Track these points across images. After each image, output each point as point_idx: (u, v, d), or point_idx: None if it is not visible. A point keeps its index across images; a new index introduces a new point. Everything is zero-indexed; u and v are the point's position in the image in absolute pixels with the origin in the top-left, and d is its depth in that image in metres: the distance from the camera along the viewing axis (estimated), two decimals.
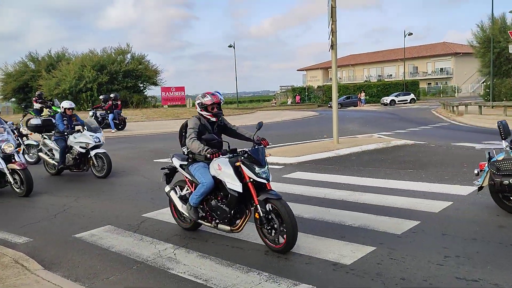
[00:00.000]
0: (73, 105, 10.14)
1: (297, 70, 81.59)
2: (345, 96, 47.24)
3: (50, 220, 6.36)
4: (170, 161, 5.66)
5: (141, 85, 42.80)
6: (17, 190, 7.91)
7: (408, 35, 50.15)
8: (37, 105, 19.84)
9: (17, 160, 8.03)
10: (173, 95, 43.62)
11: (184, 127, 5.26)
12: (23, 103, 27.81)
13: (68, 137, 9.57)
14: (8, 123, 10.50)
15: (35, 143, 11.75)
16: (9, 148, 7.84)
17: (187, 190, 5.45)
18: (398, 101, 45.39)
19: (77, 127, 9.83)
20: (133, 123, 24.75)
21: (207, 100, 5.01)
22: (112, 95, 20.25)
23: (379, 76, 66.94)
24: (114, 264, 4.54)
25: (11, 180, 7.89)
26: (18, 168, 7.76)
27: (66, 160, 9.63)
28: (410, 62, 62.90)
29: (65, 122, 9.68)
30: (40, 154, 10.50)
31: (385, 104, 44.74)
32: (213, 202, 4.99)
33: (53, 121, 10.66)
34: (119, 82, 38.55)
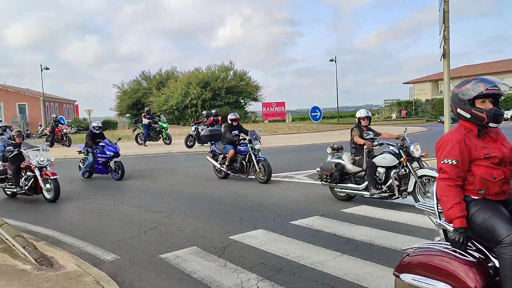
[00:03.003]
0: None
1: (403, 83, 77.37)
2: None
3: (140, 237, 6.31)
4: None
5: (242, 101, 43.88)
6: None
7: None
8: (145, 121, 21.12)
9: None
10: (273, 110, 44.11)
11: None
12: (135, 119, 30.04)
13: None
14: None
15: None
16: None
17: None
18: None
19: None
20: None
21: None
22: (213, 111, 20.77)
23: None
24: None
25: None
26: None
27: None
28: None
29: None
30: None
31: (506, 119, 40.24)
32: None
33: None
34: (221, 98, 39.89)
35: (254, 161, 10.36)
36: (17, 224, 7.17)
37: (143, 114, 21.77)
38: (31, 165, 9.11)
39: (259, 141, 10.69)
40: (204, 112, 21.67)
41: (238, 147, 10.85)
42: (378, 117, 55.90)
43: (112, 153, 11.84)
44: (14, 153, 9.41)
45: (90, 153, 12.10)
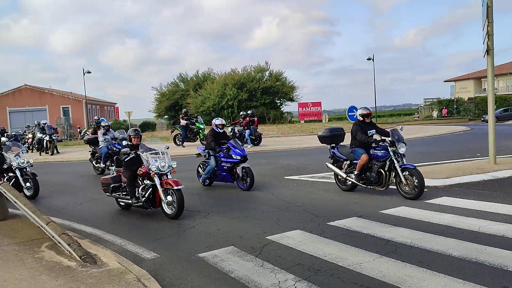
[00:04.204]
0: None
1: (444, 81, 75.01)
2: (502, 109, 41.69)
3: (179, 236, 6.44)
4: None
5: (278, 101, 43.80)
6: None
7: None
8: (183, 122, 21.49)
9: None
10: (309, 110, 43.81)
11: None
12: (173, 120, 30.64)
13: None
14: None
15: None
16: None
17: None
18: None
19: None
20: (268, 138, 25.21)
21: None
22: (249, 112, 20.91)
23: None
24: None
25: None
26: None
27: None
28: None
29: None
30: None
31: None
32: None
33: None
34: (257, 99, 39.97)
35: (398, 169, 7.94)
36: (63, 223, 7.48)
37: (181, 116, 22.15)
38: (150, 172, 7.50)
39: (405, 143, 8.20)
40: (241, 113, 21.87)
41: (373, 151, 8.44)
42: (418, 116, 54.44)
43: (239, 157, 9.74)
44: (131, 156, 7.87)
45: (212, 157, 10.11)
